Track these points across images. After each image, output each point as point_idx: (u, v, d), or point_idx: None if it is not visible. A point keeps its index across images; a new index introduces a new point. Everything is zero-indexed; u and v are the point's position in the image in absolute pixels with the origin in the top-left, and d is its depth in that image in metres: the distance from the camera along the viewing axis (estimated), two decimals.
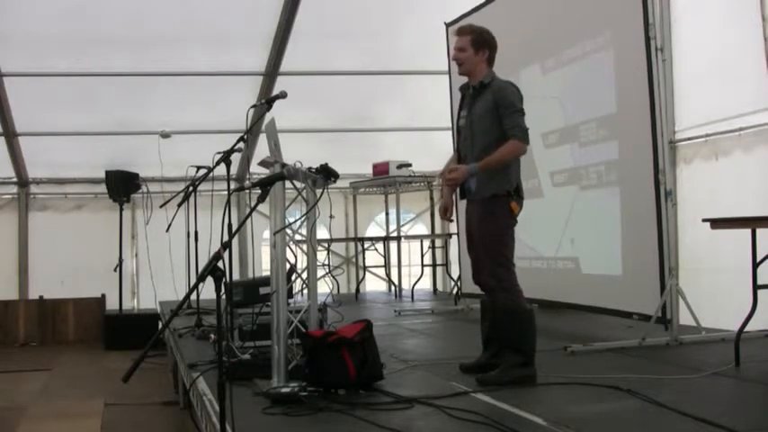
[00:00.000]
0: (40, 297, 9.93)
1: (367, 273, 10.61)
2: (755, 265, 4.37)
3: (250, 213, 3.60)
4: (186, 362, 4.89)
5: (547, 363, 4.32)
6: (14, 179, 10.35)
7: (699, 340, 5.14)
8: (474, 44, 4.18)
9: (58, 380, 7.58)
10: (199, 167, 6.60)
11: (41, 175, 10.45)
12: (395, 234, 10.41)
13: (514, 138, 4.00)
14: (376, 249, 10.21)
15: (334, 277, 9.35)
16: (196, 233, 7.36)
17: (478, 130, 4.14)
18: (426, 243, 10.23)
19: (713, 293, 6.13)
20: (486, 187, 4.09)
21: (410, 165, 9.67)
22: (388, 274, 10.41)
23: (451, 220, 4.66)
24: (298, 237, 4.37)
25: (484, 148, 4.09)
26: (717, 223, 4.69)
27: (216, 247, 3.10)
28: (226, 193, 5.74)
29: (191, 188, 6.63)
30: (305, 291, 4.43)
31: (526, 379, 3.97)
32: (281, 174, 3.92)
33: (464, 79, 4.34)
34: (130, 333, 8.84)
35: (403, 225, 10.92)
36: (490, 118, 4.08)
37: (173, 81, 9.01)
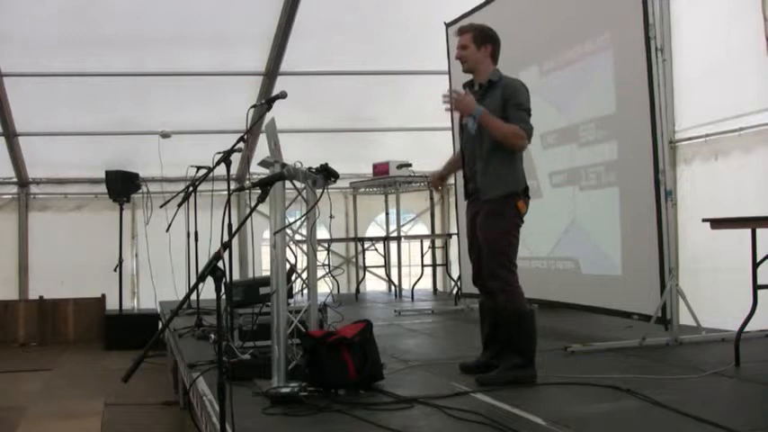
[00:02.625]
0: (40, 297, 9.94)
1: (367, 273, 10.61)
2: (755, 265, 4.37)
3: (250, 213, 3.61)
4: (186, 362, 4.89)
5: (547, 363, 4.32)
6: (14, 179, 10.37)
7: (699, 340, 5.14)
8: (476, 40, 4.19)
9: (58, 380, 7.58)
10: (199, 167, 6.60)
11: (41, 175, 10.46)
12: (395, 234, 10.41)
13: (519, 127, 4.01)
14: (376, 249, 10.21)
15: (334, 277, 9.35)
16: (196, 233, 7.36)
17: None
18: (426, 243, 10.23)
19: (713, 293, 6.12)
20: (495, 187, 4.07)
21: (410, 165, 9.67)
22: (388, 274, 10.41)
23: (439, 190, 4.71)
24: (298, 237, 4.37)
25: (493, 145, 4.08)
26: (717, 223, 4.69)
27: (216, 247, 3.10)
28: (226, 193, 5.75)
29: (191, 188, 6.63)
30: (305, 291, 4.43)
31: (526, 379, 3.97)
32: (281, 174, 3.92)
33: (466, 78, 4.34)
34: (130, 333, 8.85)
35: (403, 225, 10.94)
36: (499, 116, 4.05)
37: (173, 81, 9.00)
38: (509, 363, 4.00)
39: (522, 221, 4.13)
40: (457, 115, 4.48)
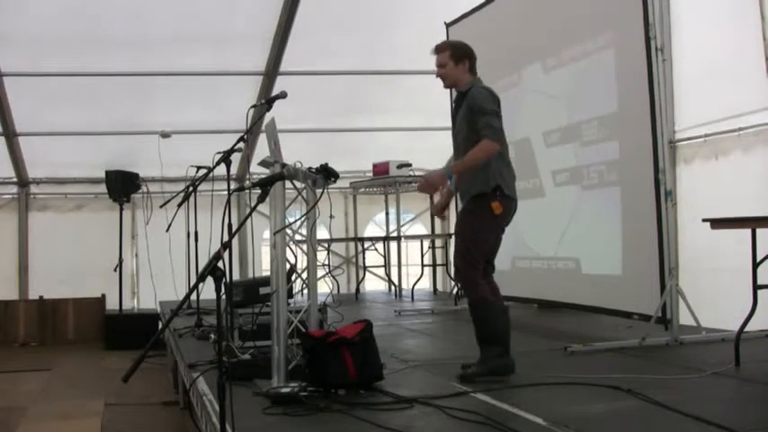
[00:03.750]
0: (40, 297, 9.93)
1: (367, 273, 10.61)
2: (755, 265, 4.37)
3: (250, 213, 3.61)
4: (186, 362, 4.89)
5: (547, 363, 4.33)
6: (14, 179, 10.36)
7: (699, 340, 5.14)
8: (453, 57, 4.30)
9: (57, 380, 7.58)
10: (199, 167, 6.60)
11: (41, 175, 10.46)
12: (395, 234, 10.41)
13: (485, 138, 4.08)
14: (376, 249, 10.21)
15: (334, 277, 9.35)
16: (196, 233, 7.36)
17: (461, 137, 4.27)
18: (426, 243, 10.23)
19: (713, 293, 6.13)
20: (468, 189, 4.20)
21: (410, 164, 9.67)
22: (388, 274, 10.41)
23: (444, 218, 4.78)
24: (298, 237, 4.37)
25: (467, 149, 4.18)
26: (717, 223, 4.69)
27: (216, 247, 3.10)
28: (226, 193, 5.75)
29: (191, 188, 6.62)
30: (305, 291, 4.43)
31: (503, 368, 4.05)
32: (281, 174, 3.92)
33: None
34: (130, 333, 8.84)
35: (403, 225, 10.93)
36: (468, 124, 4.20)
37: (173, 81, 9.00)
38: (485, 355, 4.09)
39: (499, 222, 4.18)
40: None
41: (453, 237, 4.45)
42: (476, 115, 4.13)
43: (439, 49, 4.35)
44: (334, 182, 4.31)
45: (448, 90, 7.55)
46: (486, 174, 4.13)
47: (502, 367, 4.06)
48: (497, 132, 4.10)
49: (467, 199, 4.24)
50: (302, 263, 4.45)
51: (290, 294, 4.50)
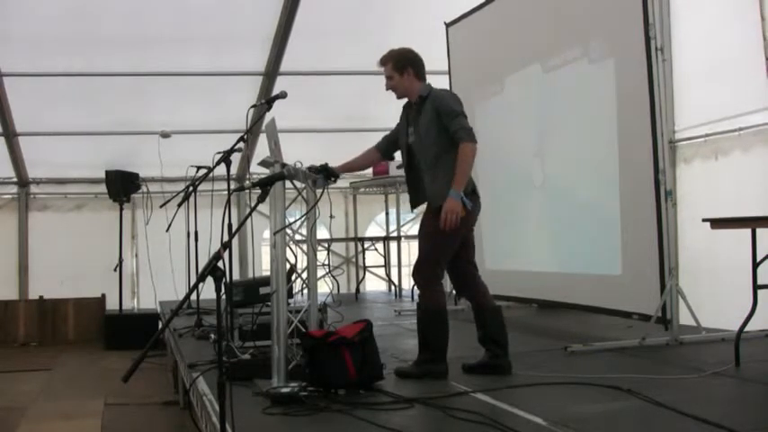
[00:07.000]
0: (40, 297, 9.93)
1: (367, 273, 10.61)
2: (755, 265, 4.36)
3: (250, 213, 3.61)
4: (186, 362, 4.89)
5: (547, 363, 4.32)
6: (14, 179, 10.36)
7: (699, 340, 5.14)
8: (396, 68, 4.34)
9: (58, 380, 7.58)
10: (199, 167, 6.60)
11: (41, 175, 10.45)
12: (395, 234, 10.40)
13: (461, 141, 4.11)
14: (376, 249, 10.20)
15: (334, 277, 9.34)
16: (196, 233, 7.36)
17: (427, 141, 4.28)
18: None
19: (713, 293, 6.12)
20: (441, 197, 4.17)
21: None
22: (388, 274, 10.41)
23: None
24: (298, 237, 4.37)
25: (436, 155, 4.23)
26: (717, 223, 4.69)
27: (216, 247, 3.10)
28: (226, 193, 5.75)
29: (191, 188, 6.63)
30: (305, 291, 4.43)
31: (436, 374, 4.13)
32: (281, 174, 3.92)
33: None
34: (130, 333, 8.84)
35: (403, 225, 10.93)
36: (435, 127, 4.22)
37: (173, 81, 9.00)
38: (421, 358, 4.22)
39: (468, 224, 4.21)
40: (402, 133, 4.50)
41: (418, 238, 4.45)
42: (446, 118, 4.16)
43: (382, 62, 4.39)
44: (335, 182, 4.32)
45: (448, 89, 7.60)
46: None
47: (434, 372, 4.15)
48: (470, 133, 4.14)
49: (441, 204, 4.16)
50: (302, 263, 4.45)
51: (290, 294, 4.50)
